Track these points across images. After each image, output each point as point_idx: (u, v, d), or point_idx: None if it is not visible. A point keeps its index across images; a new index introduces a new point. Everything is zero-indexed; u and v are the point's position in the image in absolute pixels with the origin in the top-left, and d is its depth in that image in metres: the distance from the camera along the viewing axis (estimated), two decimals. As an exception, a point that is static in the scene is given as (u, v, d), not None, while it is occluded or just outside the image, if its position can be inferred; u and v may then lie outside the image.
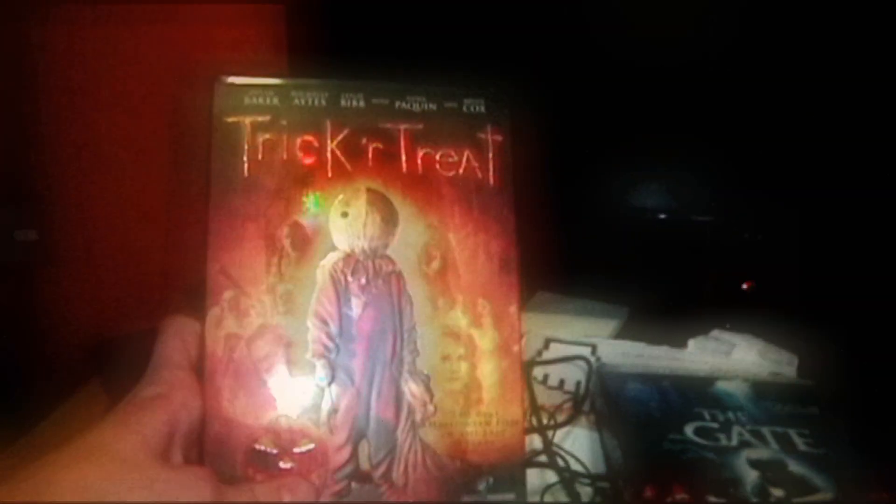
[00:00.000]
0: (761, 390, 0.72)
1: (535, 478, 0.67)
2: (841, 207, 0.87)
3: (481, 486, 0.47)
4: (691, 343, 0.87)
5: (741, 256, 0.96)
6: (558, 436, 0.71)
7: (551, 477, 0.67)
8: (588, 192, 0.99)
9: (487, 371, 0.49)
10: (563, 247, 1.00)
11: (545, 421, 0.72)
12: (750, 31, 0.86)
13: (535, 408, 0.74)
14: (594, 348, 0.86)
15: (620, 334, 0.96)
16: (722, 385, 0.72)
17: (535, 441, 0.70)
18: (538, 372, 0.83)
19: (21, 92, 1.17)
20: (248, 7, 1.09)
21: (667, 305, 0.97)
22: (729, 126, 0.89)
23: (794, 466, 0.61)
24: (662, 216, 0.99)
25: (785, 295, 0.91)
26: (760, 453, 0.62)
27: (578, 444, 0.71)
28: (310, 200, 0.48)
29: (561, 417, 0.73)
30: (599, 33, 0.91)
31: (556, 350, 0.87)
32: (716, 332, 0.89)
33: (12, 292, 1.26)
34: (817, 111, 0.86)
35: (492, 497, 0.47)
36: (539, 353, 0.87)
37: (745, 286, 0.95)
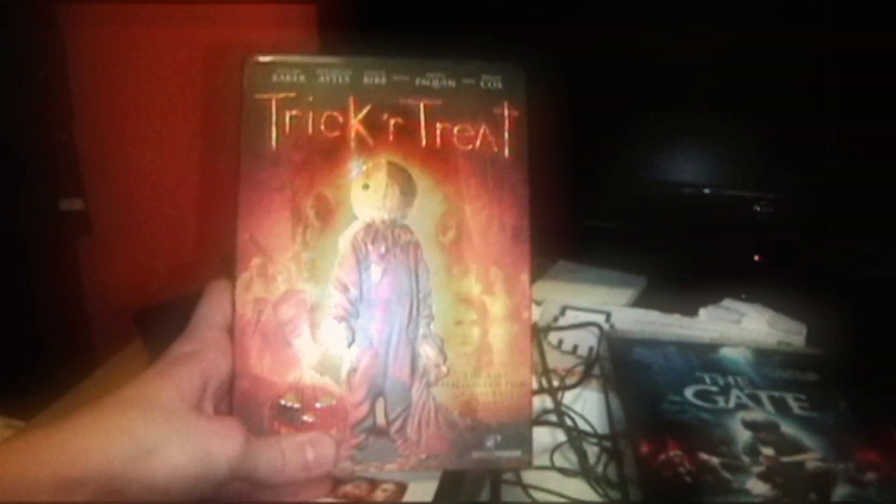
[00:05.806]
0: (764, 357, 0.74)
1: (547, 437, 0.70)
2: (853, 178, 0.88)
3: (490, 443, 0.49)
4: (702, 312, 0.90)
5: (755, 228, 0.97)
6: (569, 397, 0.74)
7: (561, 436, 0.70)
8: (607, 165, 1.01)
9: (498, 335, 0.50)
10: (584, 218, 1.02)
11: (556, 383, 0.75)
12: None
13: (546, 370, 0.77)
14: (608, 315, 0.89)
15: (637, 303, 0.99)
16: (725, 351, 0.75)
17: (546, 402, 0.73)
18: (553, 337, 0.86)
19: (65, 72, 1.23)
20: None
21: (682, 276, 0.99)
22: (742, 97, 0.90)
23: (787, 428, 0.63)
24: (681, 189, 1.00)
25: (796, 266, 0.93)
26: (755, 415, 0.64)
27: (588, 405, 0.74)
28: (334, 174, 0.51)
29: (571, 380, 0.76)
30: (614, 7, 0.92)
31: (571, 317, 0.90)
32: (726, 302, 0.91)
33: (59, 259, 1.31)
34: (828, 81, 0.86)
35: (499, 453, 0.49)
36: (555, 319, 0.90)
37: (757, 258, 0.97)
